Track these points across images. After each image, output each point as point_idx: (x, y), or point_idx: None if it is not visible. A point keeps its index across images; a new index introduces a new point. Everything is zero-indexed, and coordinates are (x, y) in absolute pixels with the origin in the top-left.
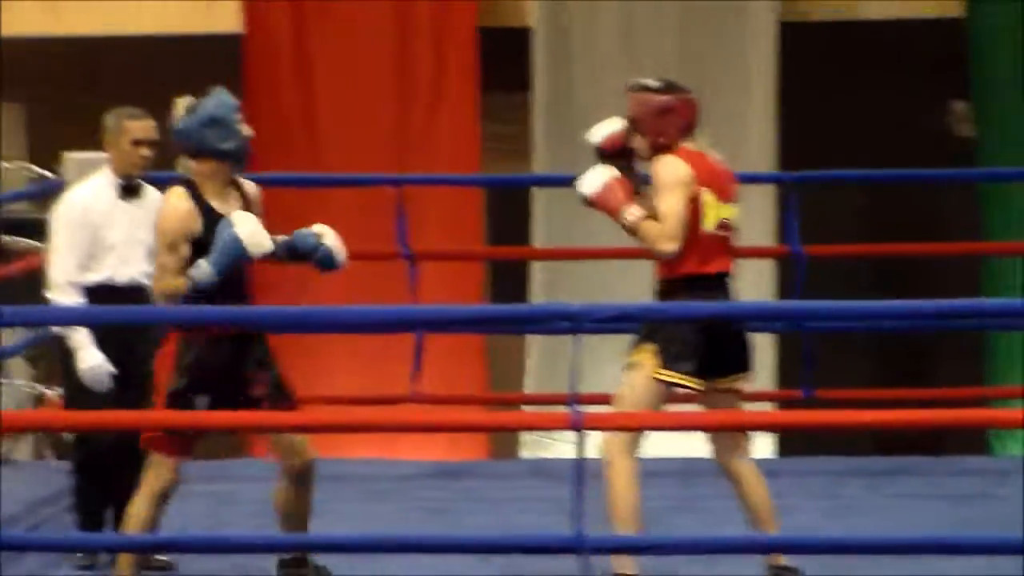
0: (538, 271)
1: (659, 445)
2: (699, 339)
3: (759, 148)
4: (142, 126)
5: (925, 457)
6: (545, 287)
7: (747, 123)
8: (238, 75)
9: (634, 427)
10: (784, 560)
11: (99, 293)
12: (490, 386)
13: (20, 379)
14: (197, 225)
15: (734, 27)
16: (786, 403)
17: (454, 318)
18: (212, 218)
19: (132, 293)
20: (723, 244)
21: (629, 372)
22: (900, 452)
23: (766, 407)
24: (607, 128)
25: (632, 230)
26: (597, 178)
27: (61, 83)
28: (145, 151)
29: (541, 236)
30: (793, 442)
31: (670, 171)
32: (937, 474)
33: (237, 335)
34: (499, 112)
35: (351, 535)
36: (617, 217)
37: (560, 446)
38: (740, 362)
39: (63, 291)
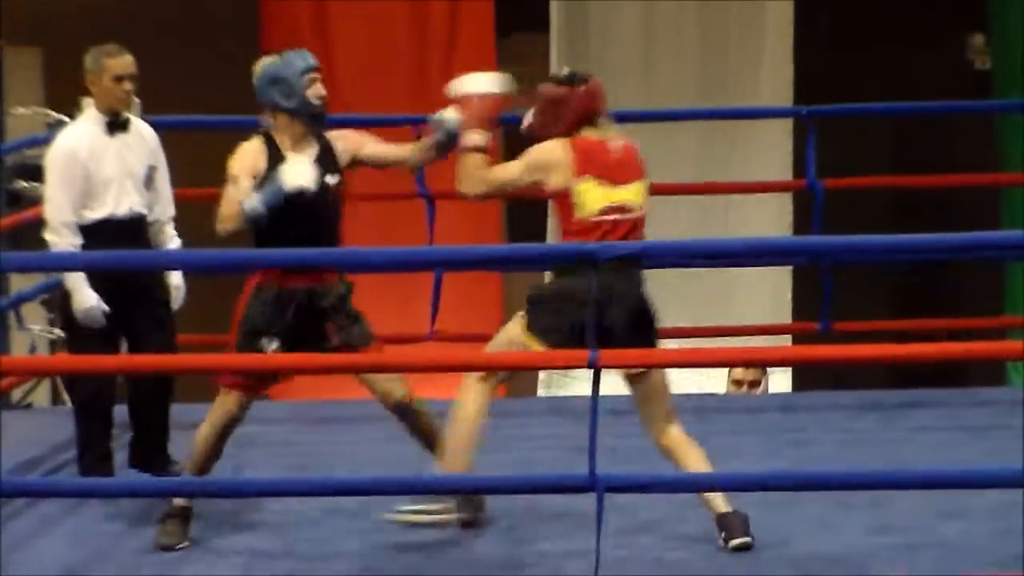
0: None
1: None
2: (577, 316)
3: (776, 84)
4: (122, 62)
5: (941, 390)
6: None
7: (763, 59)
8: (256, 25)
9: (650, 364)
10: (726, 507)
11: (102, 228)
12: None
13: (36, 324)
14: (262, 164)
15: None
16: (803, 336)
17: (473, 258)
18: (277, 160)
19: (132, 224)
20: (615, 228)
21: (511, 322)
22: (918, 384)
23: (783, 341)
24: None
25: (462, 153)
26: (487, 84)
27: (78, 28)
28: (127, 85)
29: None
30: (811, 376)
31: (536, 149)
32: (953, 406)
33: (310, 283)
34: (517, 53)
35: (374, 476)
36: (463, 133)
37: (577, 384)
38: (636, 344)
39: (59, 232)
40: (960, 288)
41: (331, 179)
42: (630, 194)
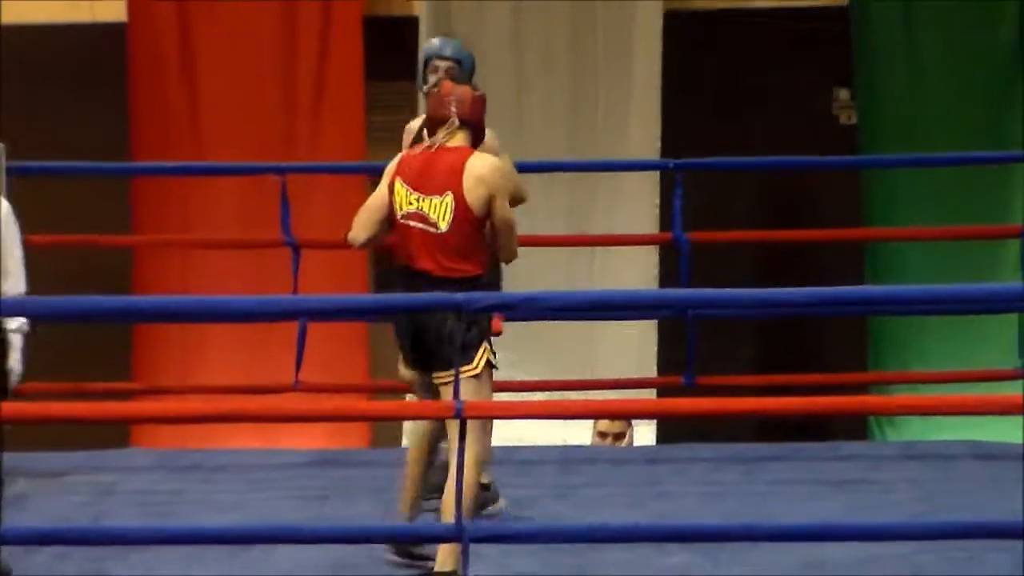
0: None
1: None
2: (406, 334)
3: (643, 136)
4: None
5: (804, 443)
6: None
7: (631, 111)
8: (122, 65)
9: (515, 415)
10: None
11: None
12: (372, 374)
13: None
14: None
15: (620, 17)
16: (667, 390)
17: (338, 307)
18: None
19: None
20: (414, 236)
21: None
22: (782, 438)
23: (648, 394)
24: None
25: None
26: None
27: None
28: None
29: None
30: (675, 429)
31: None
32: (816, 460)
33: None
34: (385, 101)
35: (232, 526)
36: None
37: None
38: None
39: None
40: (824, 343)
41: None
42: (427, 205)
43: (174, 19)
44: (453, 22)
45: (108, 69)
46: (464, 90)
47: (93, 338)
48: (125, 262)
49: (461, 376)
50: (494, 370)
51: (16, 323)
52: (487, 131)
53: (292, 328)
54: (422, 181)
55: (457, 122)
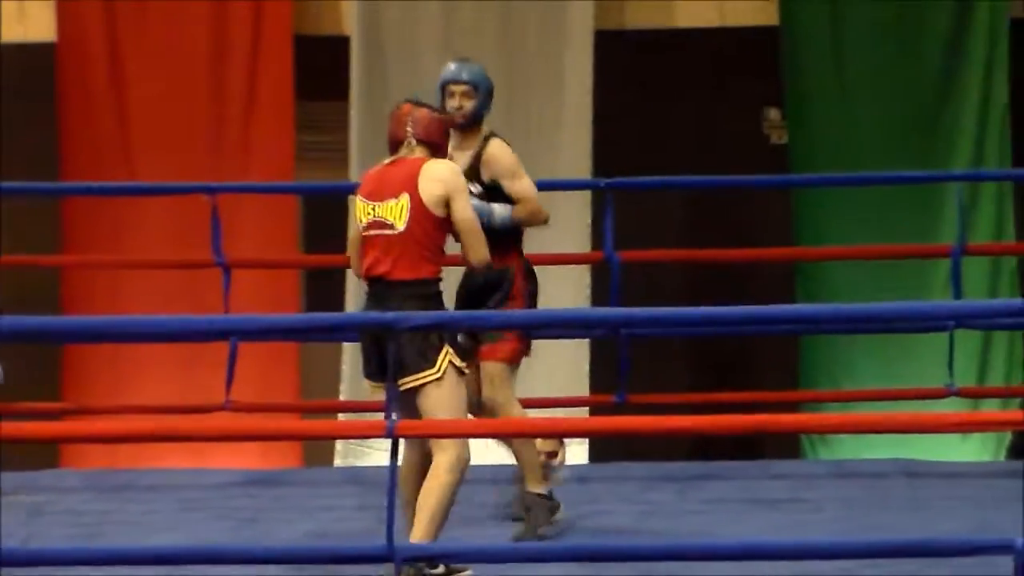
0: (353, 279)
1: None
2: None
3: (574, 155)
4: None
5: (737, 462)
6: (360, 294)
7: (563, 130)
8: (52, 84)
9: (448, 434)
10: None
11: None
12: (303, 393)
13: None
14: None
15: (551, 35)
16: (600, 408)
17: (269, 327)
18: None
19: None
20: (376, 242)
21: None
22: (715, 456)
23: (580, 412)
24: None
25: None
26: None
27: None
28: None
29: None
30: (607, 447)
31: None
32: (748, 478)
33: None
34: (316, 120)
35: (164, 547)
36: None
37: (375, 454)
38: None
39: None
40: (755, 361)
41: (472, 188)
42: (384, 210)
43: (104, 38)
44: (384, 42)
45: (38, 88)
46: (422, 112)
47: (21, 358)
48: (54, 281)
49: (424, 381)
50: (462, 375)
51: None
52: (497, 140)
53: (223, 347)
54: (378, 190)
55: (414, 142)
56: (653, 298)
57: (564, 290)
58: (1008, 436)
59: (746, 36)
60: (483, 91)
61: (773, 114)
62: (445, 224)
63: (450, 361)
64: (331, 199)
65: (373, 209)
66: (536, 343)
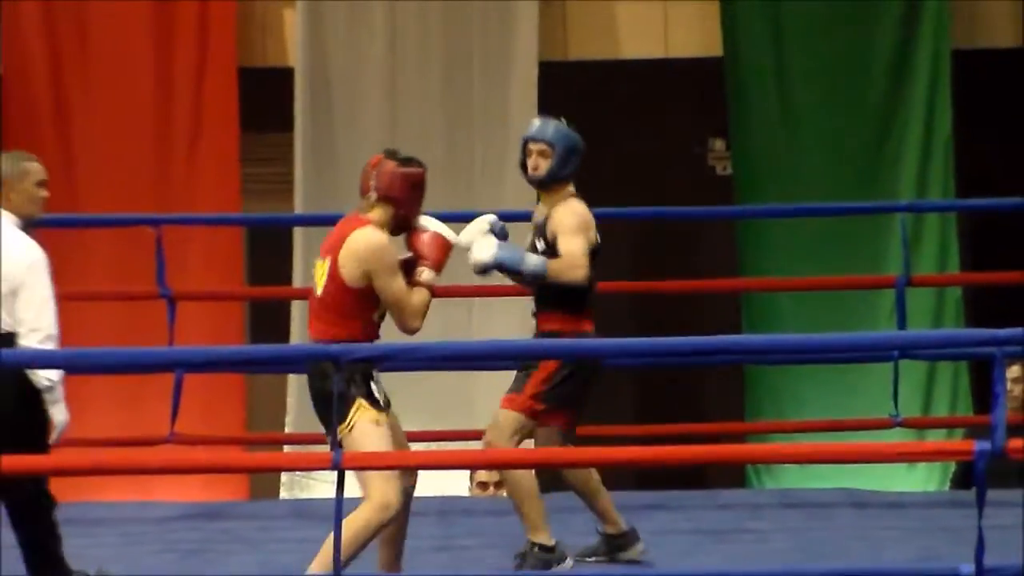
0: (298, 311)
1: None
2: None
3: (520, 187)
4: (41, 168)
5: (684, 492)
6: (305, 327)
7: (508, 162)
8: None
9: (394, 465)
10: None
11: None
12: (249, 426)
13: None
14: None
15: (496, 67)
16: None
17: (214, 358)
18: None
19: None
20: (311, 303)
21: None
22: (662, 486)
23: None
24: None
25: (415, 287)
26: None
27: None
28: (45, 191)
29: (301, 276)
30: (554, 478)
31: None
32: (695, 508)
33: None
34: (261, 152)
35: None
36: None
37: (321, 486)
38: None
39: (56, 342)
40: (701, 392)
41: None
42: (316, 268)
43: (48, 69)
44: (329, 75)
45: None
46: (387, 165)
47: None
48: None
49: (340, 435)
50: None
51: (48, 373)
52: (569, 204)
53: (167, 379)
54: (324, 245)
55: (374, 196)
56: (599, 329)
57: (512, 321)
58: (952, 466)
59: (691, 67)
60: (561, 151)
61: (718, 145)
62: (366, 293)
63: (362, 414)
64: (276, 231)
65: (316, 265)
66: (482, 374)
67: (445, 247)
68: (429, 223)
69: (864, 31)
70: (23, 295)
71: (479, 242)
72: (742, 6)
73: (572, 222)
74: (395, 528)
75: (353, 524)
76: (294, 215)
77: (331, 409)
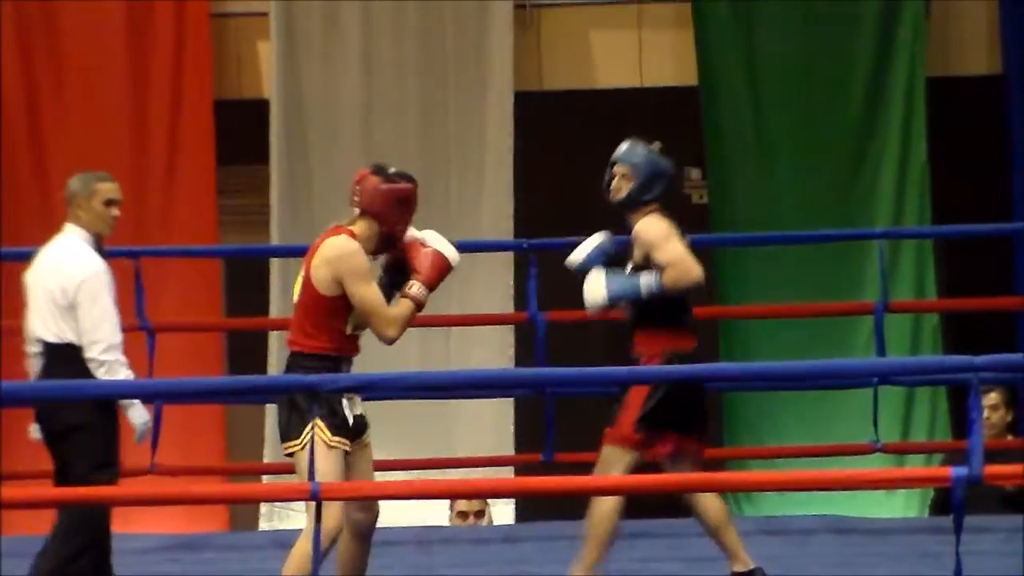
0: (276, 341)
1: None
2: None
3: (497, 216)
4: (112, 187)
5: (666, 519)
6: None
7: (485, 191)
8: None
9: (373, 496)
10: None
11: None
12: (229, 456)
13: None
14: None
15: (471, 98)
16: (526, 467)
17: (193, 389)
18: None
19: None
20: (293, 313)
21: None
22: (644, 514)
23: (506, 472)
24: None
25: (403, 300)
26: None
27: None
28: (115, 211)
29: (279, 307)
30: (534, 506)
31: None
32: (678, 536)
33: None
34: (237, 184)
35: None
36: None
37: (300, 516)
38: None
39: (119, 352)
40: None
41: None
42: (296, 277)
43: (23, 101)
44: (305, 107)
45: None
46: (371, 180)
47: None
48: None
49: (290, 450)
50: (333, 449)
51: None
52: (646, 218)
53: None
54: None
55: (356, 211)
56: (577, 357)
57: (488, 351)
58: (931, 492)
59: (666, 96)
60: (643, 175)
61: (694, 174)
62: (338, 302)
63: (317, 435)
64: (253, 262)
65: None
66: (461, 403)
67: (443, 266)
68: (433, 240)
69: (839, 59)
70: (81, 309)
71: (588, 283)
72: (717, 35)
73: (657, 230)
74: (350, 564)
75: (296, 555)
76: (271, 246)
77: (287, 416)
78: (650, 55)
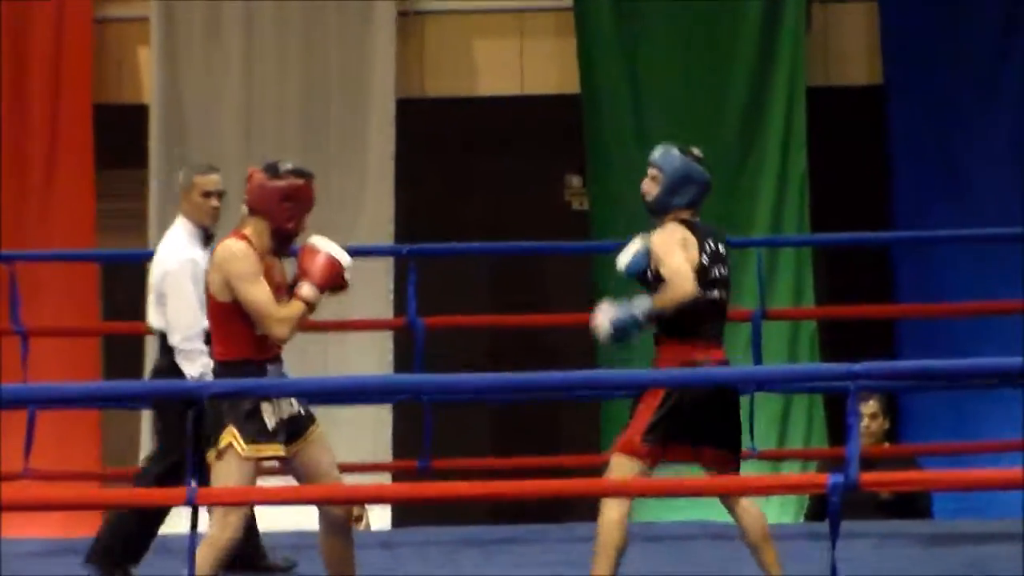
0: (152, 346)
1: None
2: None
3: (377, 221)
4: (210, 180)
5: (542, 525)
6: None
7: (366, 197)
8: None
9: (250, 501)
10: None
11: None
12: (104, 461)
13: None
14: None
15: (353, 104)
16: (403, 473)
17: (67, 395)
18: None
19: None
20: None
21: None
22: (520, 520)
23: (383, 478)
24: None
25: (296, 299)
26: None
27: None
28: (214, 202)
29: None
30: (411, 512)
31: None
32: (553, 541)
33: None
34: (116, 188)
35: None
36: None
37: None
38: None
39: (196, 340)
40: (559, 425)
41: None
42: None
43: None
44: (184, 111)
45: None
46: (257, 177)
47: None
48: None
49: (209, 458)
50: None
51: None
52: (670, 224)
53: (22, 416)
54: None
55: (245, 209)
56: (456, 364)
57: (367, 356)
58: (806, 499)
59: (547, 104)
60: (670, 179)
61: (575, 181)
62: (237, 305)
63: (231, 443)
64: (130, 267)
65: None
66: (338, 408)
67: (332, 267)
68: (323, 244)
69: (720, 68)
70: (167, 300)
71: (596, 318)
72: (599, 44)
73: (663, 242)
74: (338, 562)
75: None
76: (149, 251)
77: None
78: (532, 63)
